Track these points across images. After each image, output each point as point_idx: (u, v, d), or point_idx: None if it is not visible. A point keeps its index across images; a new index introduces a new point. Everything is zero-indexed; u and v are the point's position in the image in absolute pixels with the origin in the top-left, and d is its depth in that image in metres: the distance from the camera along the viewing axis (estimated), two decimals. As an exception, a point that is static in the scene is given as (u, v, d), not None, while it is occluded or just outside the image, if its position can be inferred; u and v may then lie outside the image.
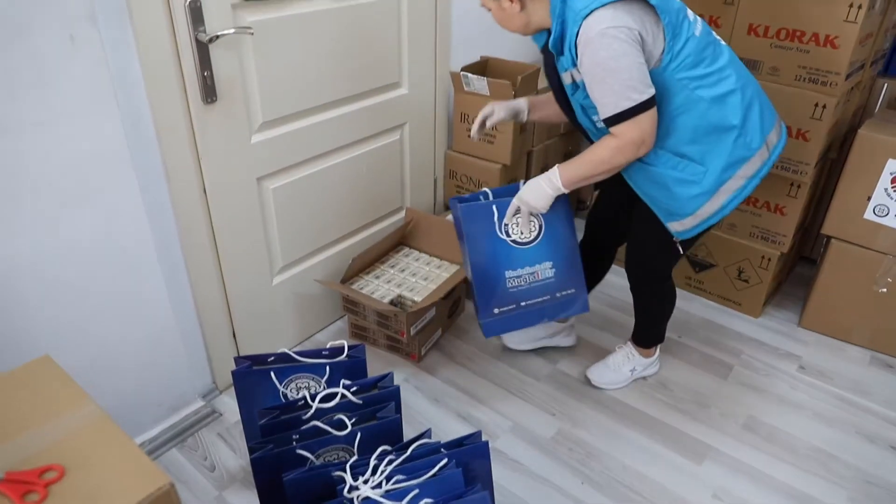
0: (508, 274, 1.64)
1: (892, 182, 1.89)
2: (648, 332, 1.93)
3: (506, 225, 1.60)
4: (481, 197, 1.68)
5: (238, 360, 1.51)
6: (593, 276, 1.93)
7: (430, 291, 2.03)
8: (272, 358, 1.53)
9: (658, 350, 1.99)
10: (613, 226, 1.86)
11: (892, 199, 1.91)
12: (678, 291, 2.36)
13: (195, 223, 1.66)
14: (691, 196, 1.50)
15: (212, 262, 1.74)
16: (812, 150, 1.93)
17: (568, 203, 1.65)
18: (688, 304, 2.34)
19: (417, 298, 2.01)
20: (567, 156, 2.65)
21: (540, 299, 1.69)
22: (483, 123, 1.74)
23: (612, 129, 1.40)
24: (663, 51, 1.36)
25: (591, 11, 1.30)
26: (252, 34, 1.55)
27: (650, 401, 1.93)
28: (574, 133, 2.65)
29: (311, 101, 1.82)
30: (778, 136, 1.55)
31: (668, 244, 1.64)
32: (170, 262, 1.64)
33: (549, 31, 1.42)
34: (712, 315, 2.29)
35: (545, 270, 1.66)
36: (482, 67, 2.31)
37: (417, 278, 2.12)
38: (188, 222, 1.64)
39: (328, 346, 1.57)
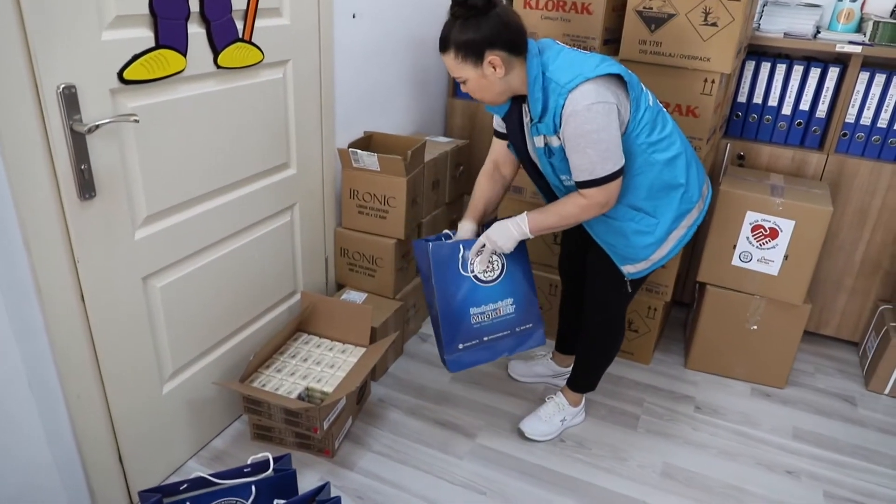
0: (473, 311, 1.70)
1: (752, 231, 2.12)
2: (586, 377, 2.02)
3: (471, 263, 1.69)
4: (443, 238, 1.74)
5: (144, 494, 1.29)
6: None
7: (340, 380, 1.91)
8: (185, 485, 1.33)
9: (584, 398, 2.07)
10: (580, 276, 1.98)
11: (753, 246, 2.14)
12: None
13: (72, 338, 1.42)
14: (646, 244, 1.67)
15: (93, 380, 1.49)
16: (684, 207, 2.12)
17: (525, 246, 1.76)
18: (584, 359, 2.42)
19: (327, 389, 1.88)
20: (454, 223, 2.67)
21: (501, 334, 1.77)
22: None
23: (582, 191, 1.53)
24: (629, 120, 1.50)
25: (577, 86, 1.41)
26: (137, 121, 1.39)
27: (573, 462, 1.94)
28: (459, 201, 2.69)
29: (199, 188, 1.67)
30: (708, 189, 1.76)
31: (620, 283, 1.78)
32: (43, 389, 1.38)
33: (512, 99, 1.56)
34: (609, 367, 2.38)
35: (507, 307, 1.75)
36: (367, 143, 2.28)
37: (323, 366, 1.98)
38: (64, 339, 1.40)
39: (249, 460, 1.40)
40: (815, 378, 2.41)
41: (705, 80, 1.96)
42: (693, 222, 1.70)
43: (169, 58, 1.48)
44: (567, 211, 1.58)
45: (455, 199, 2.63)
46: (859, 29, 2.36)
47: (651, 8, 1.94)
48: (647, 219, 1.63)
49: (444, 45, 1.47)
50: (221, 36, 1.61)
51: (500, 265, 1.72)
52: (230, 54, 1.65)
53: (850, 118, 2.30)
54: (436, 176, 2.42)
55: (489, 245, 1.66)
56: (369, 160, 2.11)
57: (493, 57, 1.43)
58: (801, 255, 2.09)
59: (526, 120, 1.59)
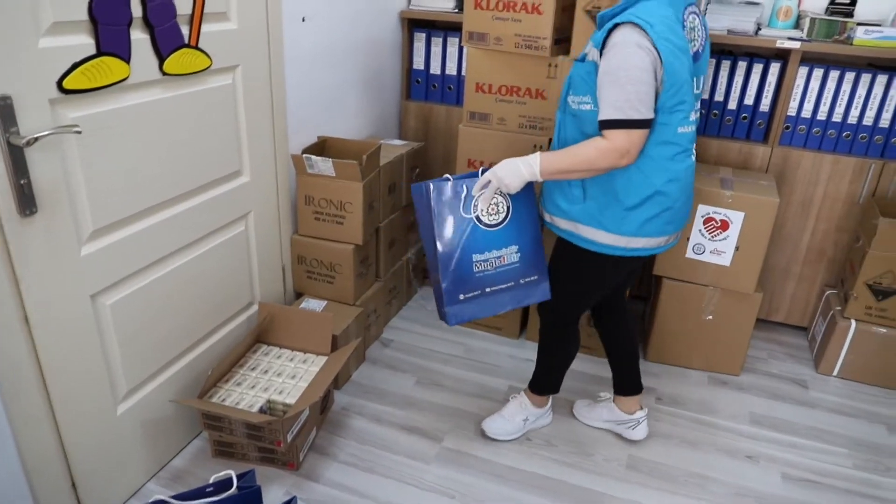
0: (476, 257, 1.61)
1: (705, 224, 2.17)
2: (545, 379, 1.99)
3: (474, 204, 1.59)
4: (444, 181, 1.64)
5: (102, 521, 1.23)
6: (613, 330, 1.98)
7: (302, 390, 1.87)
8: (145, 509, 1.28)
9: (550, 400, 2.07)
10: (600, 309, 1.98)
11: (706, 238, 2.19)
12: (536, 345, 2.46)
13: (16, 361, 1.35)
14: (556, 205, 1.65)
15: (40, 404, 1.42)
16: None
17: (533, 191, 1.67)
18: (546, 356, 2.44)
19: (290, 401, 1.84)
20: (412, 226, 2.66)
21: (504, 285, 1.67)
22: None
23: (605, 132, 1.44)
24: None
25: (643, 22, 1.37)
26: (79, 132, 1.33)
27: (540, 461, 1.95)
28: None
29: (148, 200, 1.61)
30: (646, 246, 1.61)
31: (567, 284, 1.75)
32: (-13, 415, 1.31)
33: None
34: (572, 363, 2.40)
35: (511, 255, 1.65)
36: (321, 148, 2.25)
37: (284, 378, 1.94)
38: (7, 362, 1.33)
39: (212, 479, 1.36)
40: (768, 364, 2.48)
41: (549, 65, 2.07)
42: (599, 243, 1.59)
43: (112, 65, 1.43)
44: (583, 153, 1.47)
45: (412, 202, 2.61)
46: (797, 25, 2.44)
47: (600, 7, 1.96)
48: (578, 190, 1.58)
49: None
50: (166, 42, 1.55)
51: (505, 208, 1.62)
52: (176, 60, 1.59)
53: (792, 111, 2.38)
54: (392, 179, 2.40)
55: (495, 182, 1.56)
56: (324, 166, 2.08)
57: None
58: (751, 245, 2.15)
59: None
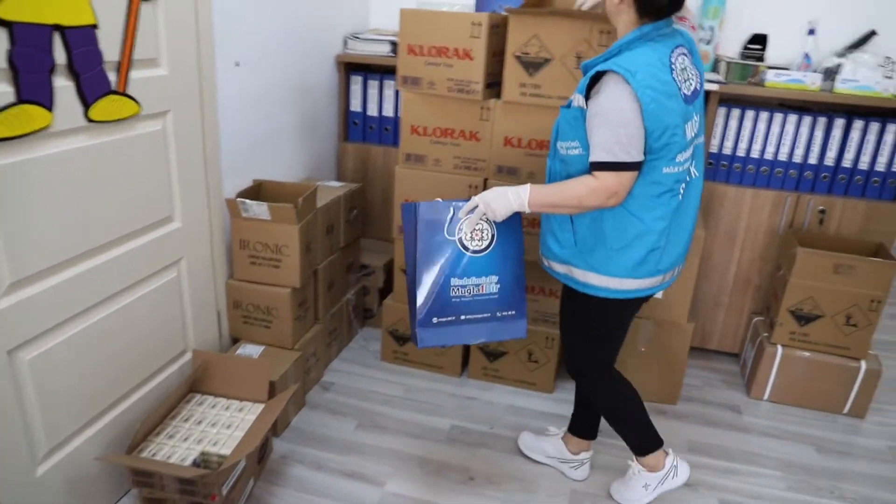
0: (454, 282, 1.60)
1: (636, 258, 2.24)
2: (633, 437, 1.88)
3: (459, 227, 1.59)
4: None
5: None
6: None
7: (239, 440, 1.82)
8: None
9: (670, 461, 1.88)
10: None
11: (638, 271, 2.26)
12: (478, 383, 2.49)
13: (-76, 425, 1.27)
14: (549, 249, 1.67)
15: (-49, 469, 1.34)
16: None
17: (521, 226, 1.67)
18: (489, 394, 2.44)
19: (225, 452, 1.78)
20: (350, 266, 2.65)
21: (480, 315, 1.65)
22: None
23: (595, 173, 1.45)
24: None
25: (626, 71, 1.38)
26: (-5, 183, 1.29)
27: (483, 500, 1.93)
28: (355, 244, 2.67)
29: (72, 249, 1.56)
30: (641, 287, 1.60)
31: (577, 330, 1.76)
32: None
33: None
34: (513, 399, 2.42)
35: (490, 285, 1.64)
36: (257, 192, 2.23)
37: (219, 427, 1.88)
38: (-86, 426, 1.25)
39: (139, 540, 1.29)
40: (703, 391, 2.56)
41: (482, 108, 2.15)
42: (585, 284, 1.61)
43: (33, 113, 1.39)
44: (573, 190, 1.48)
45: (351, 242, 2.61)
46: (715, 69, 2.59)
47: (528, 53, 2.04)
48: (567, 232, 1.60)
49: None
50: (92, 89, 1.53)
51: (489, 236, 1.62)
52: (102, 107, 1.57)
53: (714, 149, 2.50)
54: (329, 221, 2.40)
55: (482, 206, 1.56)
56: (259, 209, 2.06)
57: None
58: (682, 276, 2.23)
59: None
